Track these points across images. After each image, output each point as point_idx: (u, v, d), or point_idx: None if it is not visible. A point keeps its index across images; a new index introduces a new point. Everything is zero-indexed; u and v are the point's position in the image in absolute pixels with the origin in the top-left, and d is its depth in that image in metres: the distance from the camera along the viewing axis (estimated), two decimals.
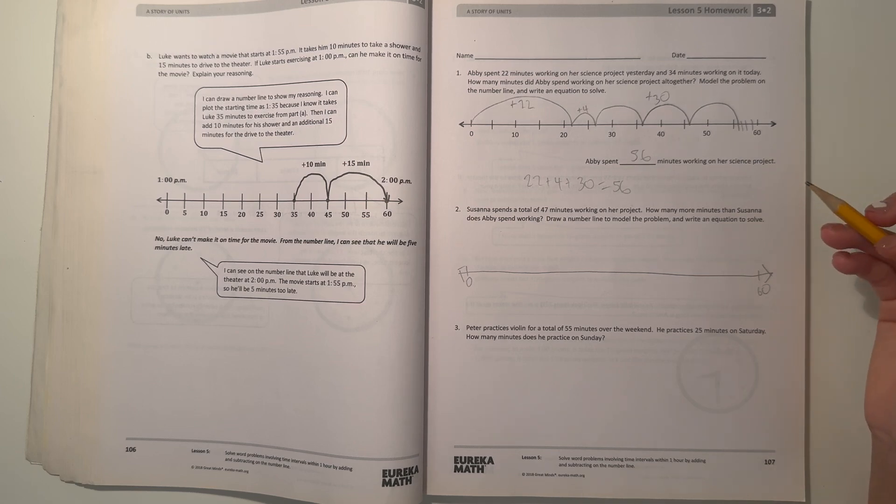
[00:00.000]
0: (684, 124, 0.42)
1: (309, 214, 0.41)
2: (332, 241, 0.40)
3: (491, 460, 0.42)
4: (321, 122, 0.41)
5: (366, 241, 0.40)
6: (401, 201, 0.40)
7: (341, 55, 0.41)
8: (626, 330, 0.41)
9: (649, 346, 0.41)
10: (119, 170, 0.43)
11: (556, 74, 0.42)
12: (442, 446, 0.42)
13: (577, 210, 0.42)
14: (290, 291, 0.41)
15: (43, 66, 0.44)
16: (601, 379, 0.41)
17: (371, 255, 0.40)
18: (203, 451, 0.42)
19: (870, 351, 0.39)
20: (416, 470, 0.41)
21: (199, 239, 0.42)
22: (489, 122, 0.42)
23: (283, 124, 0.42)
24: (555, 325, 0.42)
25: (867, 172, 0.42)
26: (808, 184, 0.39)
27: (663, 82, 0.42)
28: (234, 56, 0.43)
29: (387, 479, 0.39)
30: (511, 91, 0.42)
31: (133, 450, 0.42)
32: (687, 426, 0.41)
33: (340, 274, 0.40)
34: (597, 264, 0.42)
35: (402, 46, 0.40)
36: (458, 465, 0.42)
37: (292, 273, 0.41)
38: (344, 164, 0.40)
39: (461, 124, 0.42)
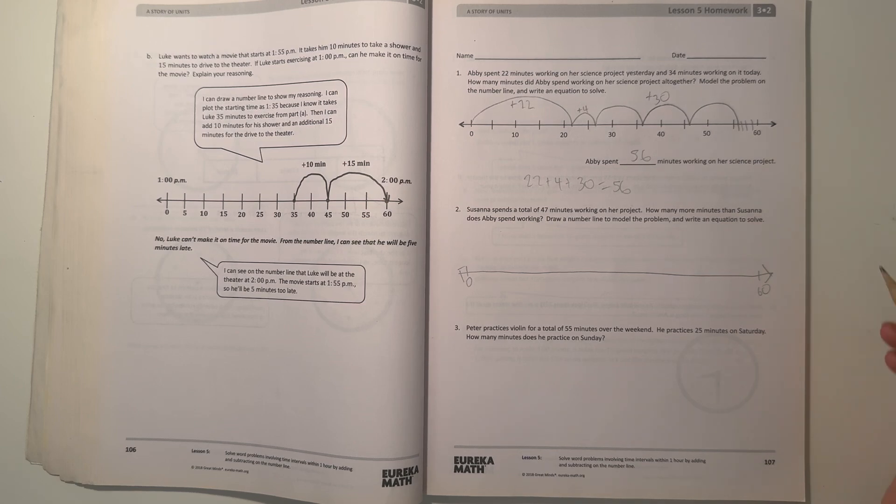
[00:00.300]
0: (684, 124, 0.42)
1: (309, 214, 0.41)
2: (332, 242, 0.40)
3: (491, 460, 0.42)
4: (321, 122, 0.41)
5: (366, 241, 0.40)
6: (401, 201, 0.40)
7: (341, 55, 0.41)
8: (627, 330, 0.41)
9: (649, 346, 0.41)
10: (119, 170, 0.43)
11: (556, 74, 0.42)
12: (442, 446, 0.42)
13: (577, 210, 0.42)
14: (290, 291, 0.41)
15: (43, 66, 0.44)
16: (601, 379, 0.41)
17: (371, 255, 0.40)
18: (203, 451, 0.42)
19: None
20: (416, 470, 0.40)
21: (199, 239, 0.42)
22: (489, 122, 0.42)
23: (283, 124, 0.42)
24: (555, 325, 0.42)
25: (867, 172, 0.42)
26: (882, 269, 0.39)
27: (663, 82, 0.42)
28: (234, 56, 0.43)
29: (387, 480, 0.39)
30: (511, 91, 0.42)
31: (133, 450, 0.42)
32: (687, 426, 0.41)
33: (340, 274, 0.40)
34: (597, 264, 0.42)
35: (402, 46, 0.40)
36: (458, 466, 0.42)
37: (292, 273, 0.41)
38: (344, 164, 0.40)
39: (461, 124, 0.42)
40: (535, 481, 0.42)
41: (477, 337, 0.42)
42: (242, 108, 0.42)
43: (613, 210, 0.42)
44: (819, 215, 0.42)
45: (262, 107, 0.42)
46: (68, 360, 0.42)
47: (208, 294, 0.42)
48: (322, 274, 0.41)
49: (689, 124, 0.42)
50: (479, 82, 0.42)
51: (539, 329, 0.42)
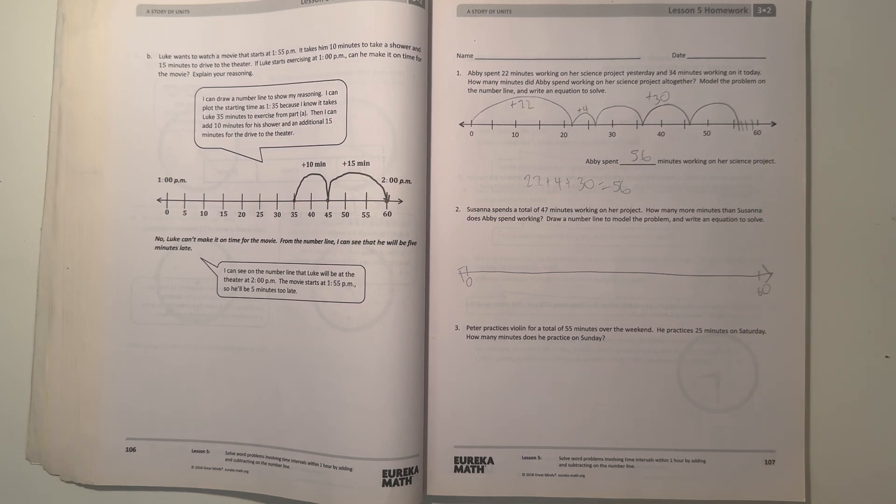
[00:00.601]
0: (684, 124, 0.42)
1: (309, 214, 0.41)
2: (332, 242, 0.40)
3: (491, 460, 0.42)
4: (321, 122, 0.41)
5: (366, 241, 0.40)
6: (401, 201, 0.40)
7: (341, 55, 0.41)
8: (627, 330, 0.41)
9: (649, 346, 0.41)
10: (119, 170, 0.43)
11: (556, 74, 0.42)
12: (442, 446, 0.42)
13: (577, 210, 0.42)
14: (290, 291, 0.41)
15: (43, 66, 0.44)
16: (601, 379, 0.41)
17: (371, 255, 0.40)
18: (203, 451, 0.42)
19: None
20: (416, 470, 0.41)
21: (199, 239, 0.42)
22: (489, 122, 0.42)
23: (283, 124, 0.42)
24: (555, 325, 0.42)
25: (867, 172, 0.42)
26: None
27: (663, 82, 0.42)
28: (234, 56, 0.43)
29: (387, 480, 0.39)
30: (511, 91, 0.42)
31: (133, 450, 0.42)
32: (687, 426, 0.41)
33: (340, 274, 0.40)
34: (597, 264, 0.42)
35: (402, 46, 0.40)
36: (458, 465, 0.42)
37: (292, 273, 0.41)
38: (344, 164, 0.40)
39: (461, 124, 0.42)
40: (535, 481, 0.42)
41: (477, 337, 0.42)
42: (242, 108, 0.42)
43: (613, 210, 0.42)
44: (819, 215, 0.42)
45: (262, 107, 0.42)
46: (68, 360, 0.42)
47: (208, 294, 0.42)
48: (322, 274, 0.41)
49: (689, 124, 0.42)
50: (479, 82, 0.42)
51: (539, 329, 0.42)
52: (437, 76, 0.42)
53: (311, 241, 0.41)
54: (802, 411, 0.41)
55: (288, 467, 0.41)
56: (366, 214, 0.40)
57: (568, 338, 0.42)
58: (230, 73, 0.43)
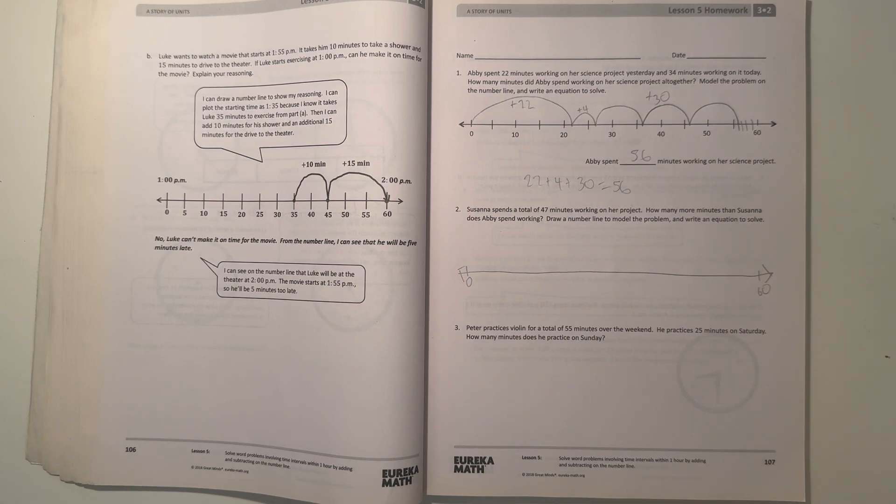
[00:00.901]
0: (684, 124, 0.42)
1: (309, 214, 0.41)
2: (332, 241, 0.40)
3: (491, 460, 0.42)
4: (321, 122, 0.41)
5: (366, 241, 0.40)
6: (401, 201, 0.40)
7: (341, 55, 0.41)
8: (626, 330, 0.41)
9: (649, 346, 0.41)
10: (119, 170, 0.43)
11: (556, 74, 0.42)
12: (442, 446, 0.42)
13: (577, 210, 0.42)
14: (290, 291, 0.41)
15: (43, 66, 0.44)
16: (601, 379, 0.41)
17: (371, 255, 0.40)
18: (203, 451, 0.42)
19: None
20: (416, 470, 0.41)
21: (199, 239, 0.42)
22: (489, 122, 0.42)
23: (283, 124, 0.42)
24: (555, 325, 0.42)
25: (867, 172, 0.42)
26: None
27: (663, 82, 0.42)
28: (234, 56, 0.43)
29: (387, 480, 0.40)
30: (511, 91, 0.42)
31: (133, 450, 0.42)
32: (687, 426, 0.41)
33: (340, 274, 0.40)
34: (597, 264, 0.42)
35: (402, 46, 0.40)
36: (458, 466, 0.42)
37: (292, 273, 0.41)
38: (344, 164, 0.40)
39: (461, 124, 0.42)
40: (535, 481, 0.42)
41: (477, 337, 0.42)
42: (242, 108, 0.42)
43: (613, 210, 0.42)
44: (819, 215, 0.42)
45: (262, 107, 0.42)
46: (68, 360, 0.42)
47: (208, 294, 0.42)
48: (322, 274, 0.41)
49: (689, 124, 0.42)
50: (479, 82, 0.42)
51: (539, 329, 0.42)
52: (437, 76, 0.42)
53: (311, 241, 0.41)
54: (802, 411, 0.41)
55: (288, 467, 0.41)
56: (366, 214, 0.40)
57: (568, 338, 0.42)
58: (230, 73, 0.43)
